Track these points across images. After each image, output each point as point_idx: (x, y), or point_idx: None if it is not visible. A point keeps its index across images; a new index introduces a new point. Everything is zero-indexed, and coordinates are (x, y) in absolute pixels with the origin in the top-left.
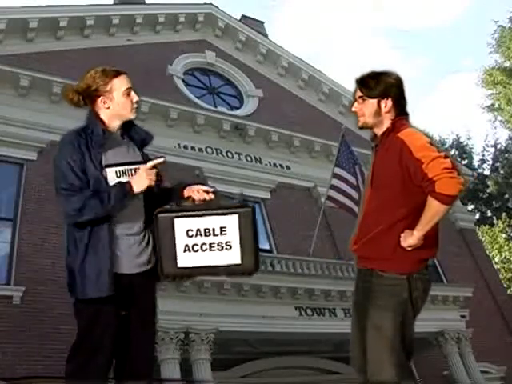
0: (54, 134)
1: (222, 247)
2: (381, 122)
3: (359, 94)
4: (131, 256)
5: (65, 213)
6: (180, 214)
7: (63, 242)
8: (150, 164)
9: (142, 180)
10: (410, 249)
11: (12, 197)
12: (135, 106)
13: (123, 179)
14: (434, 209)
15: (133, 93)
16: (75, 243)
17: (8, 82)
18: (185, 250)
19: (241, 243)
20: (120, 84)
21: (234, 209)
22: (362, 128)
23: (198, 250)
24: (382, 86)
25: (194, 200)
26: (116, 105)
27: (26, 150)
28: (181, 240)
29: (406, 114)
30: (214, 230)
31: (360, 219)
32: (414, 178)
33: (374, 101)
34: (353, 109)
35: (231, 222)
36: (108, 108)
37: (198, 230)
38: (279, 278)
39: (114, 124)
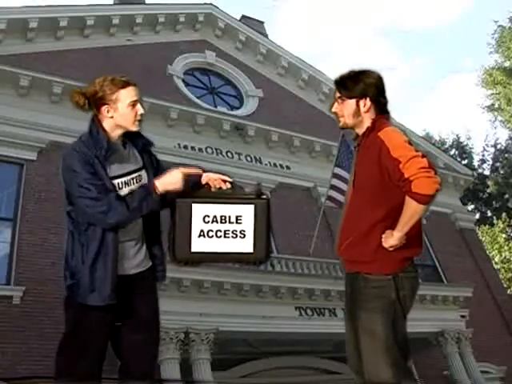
0: (54, 134)
1: (236, 235)
2: (361, 121)
3: (338, 94)
4: (126, 258)
5: (90, 217)
6: (198, 199)
7: (63, 242)
8: (187, 170)
9: (170, 180)
10: (392, 249)
11: (12, 197)
12: (139, 118)
13: (125, 190)
14: (411, 209)
15: (138, 105)
16: (82, 247)
17: (8, 82)
18: (199, 236)
19: (254, 233)
20: (126, 95)
21: (250, 199)
22: (342, 128)
23: (212, 236)
24: (360, 86)
25: (210, 187)
26: (119, 116)
27: (26, 150)
28: (197, 225)
29: (387, 113)
30: (229, 217)
31: (342, 221)
32: (392, 178)
33: (353, 101)
34: (333, 109)
35: (247, 211)
36: (111, 117)
37: (215, 216)
38: (279, 277)
39: (116, 133)
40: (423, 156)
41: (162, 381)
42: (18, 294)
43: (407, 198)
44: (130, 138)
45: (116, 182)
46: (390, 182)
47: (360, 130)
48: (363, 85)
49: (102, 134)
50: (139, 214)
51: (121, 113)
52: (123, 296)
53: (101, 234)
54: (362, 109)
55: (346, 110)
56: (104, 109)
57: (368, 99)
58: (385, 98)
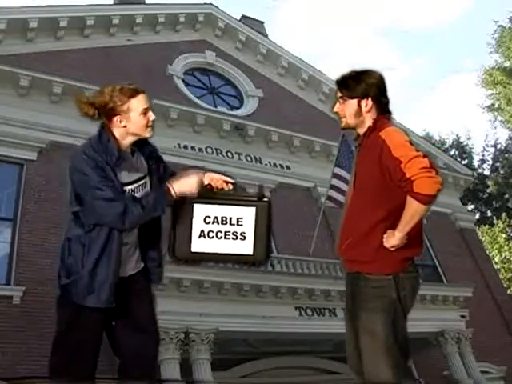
0: (54, 134)
1: (237, 237)
2: (362, 121)
3: (340, 94)
4: (124, 260)
5: (104, 218)
6: (200, 199)
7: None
8: (206, 179)
9: (187, 185)
10: (393, 249)
11: (12, 197)
12: (151, 124)
13: None
14: (413, 209)
15: (150, 112)
16: (83, 248)
17: (8, 82)
18: (200, 236)
19: (255, 235)
20: (137, 104)
21: (252, 201)
22: (344, 129)
23: (212, 237)
24: (361, 86)
25: (211, 188)
26: (132, 124)
27: (26, 150)
28: (197, 225)
29: (389, 113)
30: (230, 219)
31: (343, 221)
32: (393, 178)
33: (355, 101)
34: (334, 109)
35: (248, 213)
36: (124, 127)
37: (216, 217)
38: (279, 278)
39: (127, 140)
40: (424, 156)
41: (161, 381)
42: (18, 294)
43: (408, 198)
44: (137, 145)
45: (125, 189)
46: (390, 181)
47: (361, 130)
48: (365, 85)
49: (112, 142)
50: (153, 215)
51: (133, 122)
52: (120, 297)
53: (105, 235)
54: (364, 109)
55: (347, 109)
56: (116, 119)
57: (370, 99)
58: (386, 97)
